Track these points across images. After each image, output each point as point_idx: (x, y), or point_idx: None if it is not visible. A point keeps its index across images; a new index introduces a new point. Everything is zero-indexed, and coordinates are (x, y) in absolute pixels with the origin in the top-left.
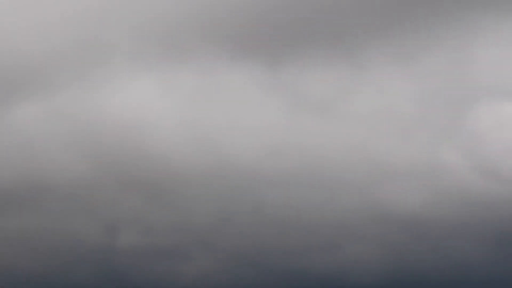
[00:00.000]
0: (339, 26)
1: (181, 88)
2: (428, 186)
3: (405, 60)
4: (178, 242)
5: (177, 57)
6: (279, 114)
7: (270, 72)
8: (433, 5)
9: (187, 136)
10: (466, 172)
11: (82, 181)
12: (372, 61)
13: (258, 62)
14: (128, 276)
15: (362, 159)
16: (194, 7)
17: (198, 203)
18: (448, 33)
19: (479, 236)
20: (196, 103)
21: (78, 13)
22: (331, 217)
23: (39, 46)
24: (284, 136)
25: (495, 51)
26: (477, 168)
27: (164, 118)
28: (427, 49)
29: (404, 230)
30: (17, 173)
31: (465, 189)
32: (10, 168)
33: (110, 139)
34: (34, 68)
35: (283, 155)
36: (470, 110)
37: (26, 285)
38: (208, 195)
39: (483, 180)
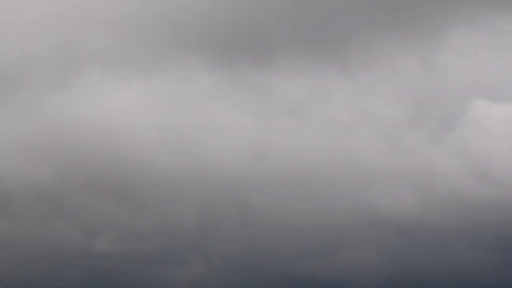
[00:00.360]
0: (321, 28)
1: (157, 92)
2: (418, 189)
3: (391, 63)
4: (165, 246)
5: (153, 62)
6: (258, 118)
7: (249, 76)
8: (417, 7)
9: (164, 140)
10: (457, 175)
11: (63, 186)
12: (356, 64)
13: (235, 66)
14: (116, 282)
15: (347, 163)
16: (168, 13)
17: (181, 206)
18: (432, 37)
19: (473, 239)
20: (172, 107)
21: (55, 17)
22: (322, 221)
23: (11, 51)
24: (263, 139)
25: (482, 54)
26: (469, 171)
27: (141, 122)
28: (412, 53)
29: (398, 234)
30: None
31: (456, 193)
32: None
33: (90, 144)
34: (5, 74)
35: (265, 158)
36: (460, 113)
37: None
38: (191, 199)
39: (474, 184)
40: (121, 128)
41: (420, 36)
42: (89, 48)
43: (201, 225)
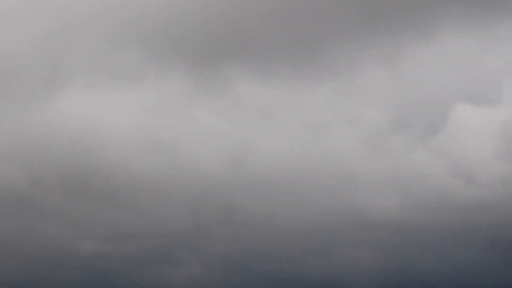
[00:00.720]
0: (300, 33)
1: (135, 100)
2: (404, 191)
3: (376, 65)
4: (156, 247)
5: (137, 70)
6: (239, 121)
7: (228, 80)
8: (402, 10)
9: (147, 143)
10: (441, 177)
11: (51, 191)
12: (339, 68)
13: (214, 71)
14: (114, 282)
15: (328, 165)
16: (147, 21)
17: (169, 208)
18: (417, 41)
19: (460, 239)
20: (154, 111)
21: (43, 27)
22: (312, 222)
23: None
24: (245, 142)
25: (466, 59)
26: (453, 173)
27: (125, 127)
28: (396, 57)
29: (389, 234)
30: None
31: (441, 194)
32: None
33: (78, 149)
34: None
35: (248, 161)
36: (443, 116)
37: None
38: (177, 201)
39: (459, 185)
40: (106, 134)
41: (406, 40)
42: (75, 55)
43: (192, 227)
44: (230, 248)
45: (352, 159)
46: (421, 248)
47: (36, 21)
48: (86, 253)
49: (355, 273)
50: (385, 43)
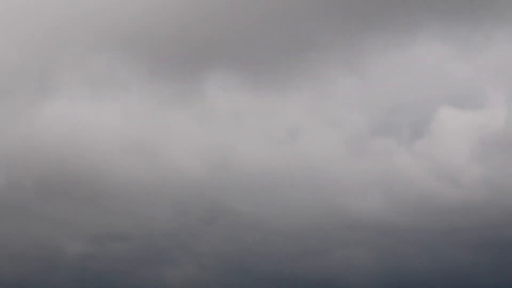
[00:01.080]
0: (282, 35)
1: (119, 105)
2: (390, 193)
3: (357, 68)
4: (149, 248)
5: (113, 77)
6: (221, 125)
7: (208, 85)
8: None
9: (127, 148)
10: (427, 180)
11: (41, 194)
12: (320, 70)
13: (193, 78)
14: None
15: (311, 169)
16: (126, 28)
17: (156, 210)
18: (403, 46)
19: (448, 239)
20: (133, 118)
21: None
22: (304, 224)
23: None
24: (227, 146)
25: (452, 63)
26: (437, 176)
27: (107, 133)
28: (382, 59)
29: (381, 235)
30: None
31: (426, 196)
32: None
33: (59, 154)
34: None
35: (231, 164)
36: (428, 119)
37: None
38: (166, 202)
39: (443, 187)
40: (92, 137)
41: (389, 43)
42: (57, 61)
43: (181, 227)
44: (222, 248)
45: (335, 162)
46: (410, 248)
47: (20, 29)
48: (79, 254)
49: (349, 273)
50: (367, 46)
